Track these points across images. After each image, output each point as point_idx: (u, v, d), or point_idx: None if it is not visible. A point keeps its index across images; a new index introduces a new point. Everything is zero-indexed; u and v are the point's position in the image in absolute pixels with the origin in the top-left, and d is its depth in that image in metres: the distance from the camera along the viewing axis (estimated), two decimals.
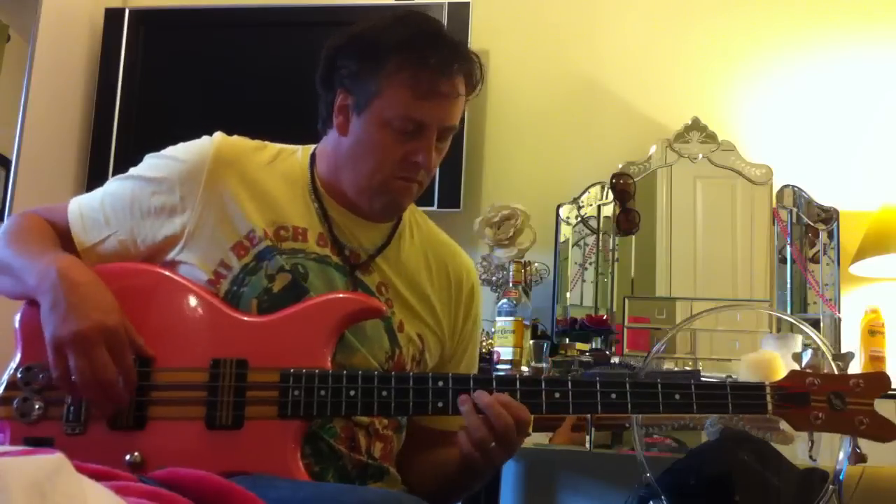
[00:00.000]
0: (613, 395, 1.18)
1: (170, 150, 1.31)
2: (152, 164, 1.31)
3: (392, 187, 1.27)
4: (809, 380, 1.20)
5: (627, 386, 1.18)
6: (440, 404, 1.17)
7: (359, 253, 1.30)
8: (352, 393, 1.16)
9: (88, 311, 1.12)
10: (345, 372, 1.17)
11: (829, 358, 1.52)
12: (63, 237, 1.29)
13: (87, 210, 1.30)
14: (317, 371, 1.16)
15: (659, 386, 1.19)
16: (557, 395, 1.18)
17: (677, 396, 1.19)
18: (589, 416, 2.17)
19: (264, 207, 1.27)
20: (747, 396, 1.20)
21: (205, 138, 1.30)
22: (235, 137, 1.33)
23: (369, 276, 1.30)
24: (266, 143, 1.35)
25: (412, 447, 1.36)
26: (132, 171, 1.32)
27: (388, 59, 1.22)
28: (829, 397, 1.18)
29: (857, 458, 1.47)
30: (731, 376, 2.22)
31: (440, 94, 1.22)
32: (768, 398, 1.19)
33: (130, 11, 3.01)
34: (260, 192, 1.28)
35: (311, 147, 1.36)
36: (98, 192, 1.33)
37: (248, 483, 0.90)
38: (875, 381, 1.20)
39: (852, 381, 1.19)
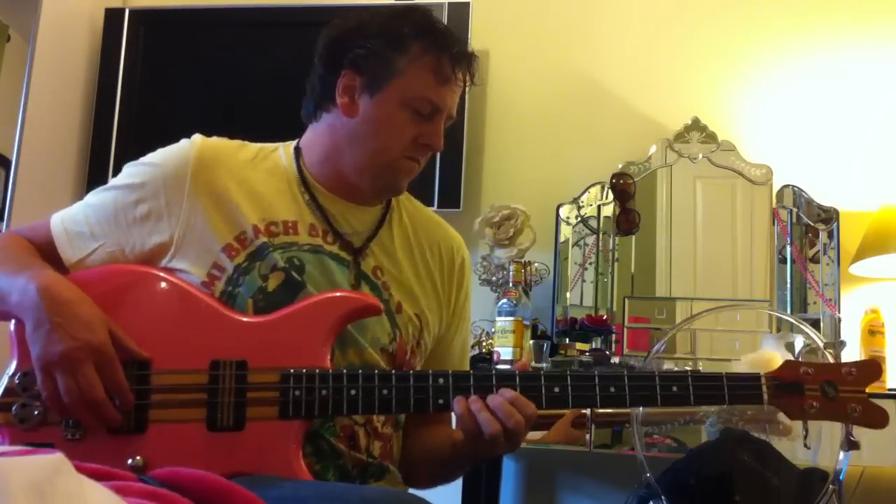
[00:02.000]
0: (612, 389, 1.19)
1: (148, 157, 1.30)
2: (133, 172, 1.29)
3: (398, 166, 1.29)
4: (803, 369, 1.21)
5: (626, 379, 1.19)
6: (441, 401, 1.17)
7: (353, 239, 1.31)
8: (352, 392, 1.16)
9: (73, 330, 1.10)
10: (345, 371, 1.17)
11: (821, 346, 1.53)
12: (47, 254, 1.27)
13: (70, 224, 1.28)
14: (317, 371, 1.16)
15: (657, 378, 1.20)
16: (557, 389, 1.19)
17: (675, 388, 1.19)
18: (590, 413, 2.17)
19: (252, 205, 1.26)
20: (744, 387, 1.21)
21: (184, 141, 1.29)
22: (215, 138, 1.32)
23: (364, 261, 1.30)
24: (245, 142, 1.35)
25: (408, 424, 1.36)
26: (112, 181, 1.31)
27: (413, 42, 1.27)
28: (822, 386, 1.20)
29: (850, 444, 1.48)
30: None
31: (457, 82, 1.29)
32: (764, 388, 1.20)
33: (130, 11, 3.02)
34: (246, 190, 1.27)
35: (291, 143, 1.37)
36: (80, 206, 1.31)
37: (249, 483, 0.89)
38: (867, 369, 1.21)
39: (844, 370, 1.21)
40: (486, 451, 1.21)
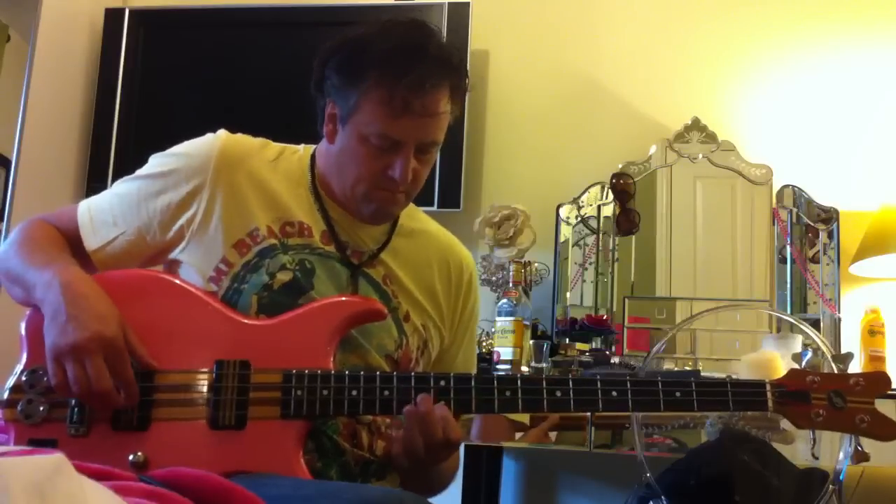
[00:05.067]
0: (614, 393, 1.19)
1: (174, 149, 1.33)
2: (158, 163, 1.32)
3: (375, 197, 1.28)
4: (810, 378, 1.20)
5: (628, 384, 1.19)
6: (442, 404, 1.17)
7: (362, 250, 1.32)
8: (353, 392, 1.16)
9: (87, 322, 1.12)
10: (346, 372, 1.18)
11: (829, 359, 1.52)
12: (72, 240, 1.30)
13: (96, 212, 1.32)
14: (319, 371, 1.17)
15: (660, 384, 1.19)
16: (559, 393, 1.19)
17: (678, 394, 1.19)
18: (589, 414, 2.17)
19: (269, 205, 1.28)
20: (748, 394, 1.21)
21: (209, 135, 1.31)
22: (239, 135, 1.34)
23: (374, 270, 1.31)
24: (269, 141, 1.36)
25: None
26: (139, 171, 1.34)
27: (367, 74, 1.22)
28: (829, 395, 1.19)
29: (860, 456, 1.46)
30: (731, 376, 2.22)
31: (414, 113, 1.21)
32: (769, 395, 1.19)
33: (130, 11, 3.01)
34: (264, 190, 1.29)
35: (313, 147, 1.38)
36: (106, 194, 1.34)
37: (250, 481, 0.89)
38: (875, 381, 1.20)
39: (852, 380, 1.20)
40: (409, 465, 1.20)
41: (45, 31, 2.78)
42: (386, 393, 1.17)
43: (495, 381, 1.19)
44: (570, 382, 1.19)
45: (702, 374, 2.26)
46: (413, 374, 1.22)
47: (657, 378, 1.20)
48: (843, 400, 1.18)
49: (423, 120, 1.22)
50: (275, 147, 1.36)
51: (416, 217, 1.43)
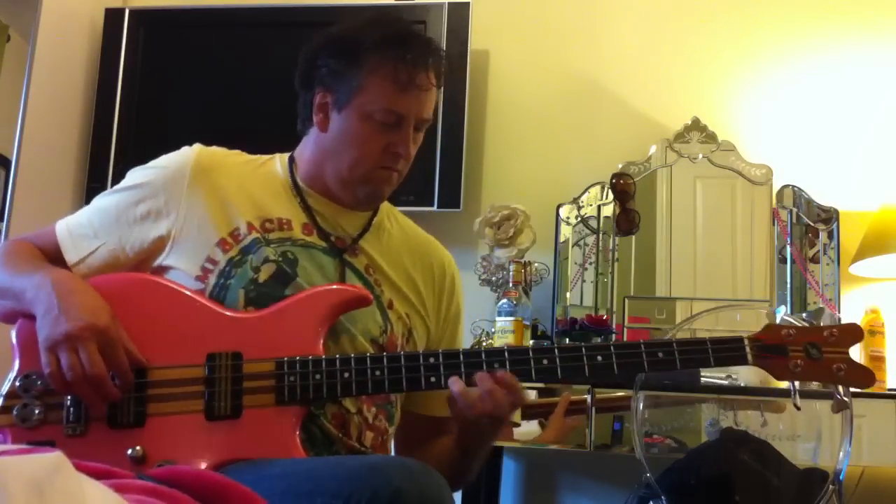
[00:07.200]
0: (599, 358, 1.22)
1: (151, 162, 1.38)
2: (135, 176, 1.37)
3: (374, 176, 1.34)
4: (785, 331, 1.24)
5: (612, 348, 1.22)
6: (433, 379, 1.20)
7: (344, 238, 1.36)
8: (346, 375, 1.19)
9: (79, 313, 1.16)
10: (338, 355, 1.21)
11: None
12: (53, 259, 1.33)
13: (74, 227, 1.35)
14: (310, 357, 1.20)
15: (642, 346, 1.22)
16: (545, 361, 1.21)
17: (660, 354, 1.22)
18: (589, 400, 2.18)
19: (247, 205, 1.32)
20: (727, 349, 1.24)
21: (185, 147, 1.37)
22: (214, 147, 1.40)
23: (356, 259, 1.35)
24: (242, 152, 1.42)
25: (409, 439, 1.41)
26: (116, 186, 1.38)
27: (370, 55, 1.30)
28: (805, 347, 1.22)
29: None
30: (730, 376, 2.22)
31: (417, 87, 1.30)
32: (748, 349, 1.23)
33: (130, 11, 3.01)
34: (242, 191, 1.34)
35: (286, 154, 1.43)
36: (84, 211, 1.38)
37: (248, 466, 0.90)
38: (848, 332, 1.24)
39: (826, 332, 1.24)
40: (476, 437, 1.23)
41: (45, 31, 2.78)
42: (377, 373, 1.20)
43: (483, 355, 1.21)
44: (556, 350, 1.22)
45: (702, 372, 2.26)
46: (403, 353, 1.25)
47: (640, 341, 1.24)
48: (819, 351, 1.22)
49: (423, 94, 1.32)
50: (248, 155, 1.42)
51: (395, 214, 1.48)
